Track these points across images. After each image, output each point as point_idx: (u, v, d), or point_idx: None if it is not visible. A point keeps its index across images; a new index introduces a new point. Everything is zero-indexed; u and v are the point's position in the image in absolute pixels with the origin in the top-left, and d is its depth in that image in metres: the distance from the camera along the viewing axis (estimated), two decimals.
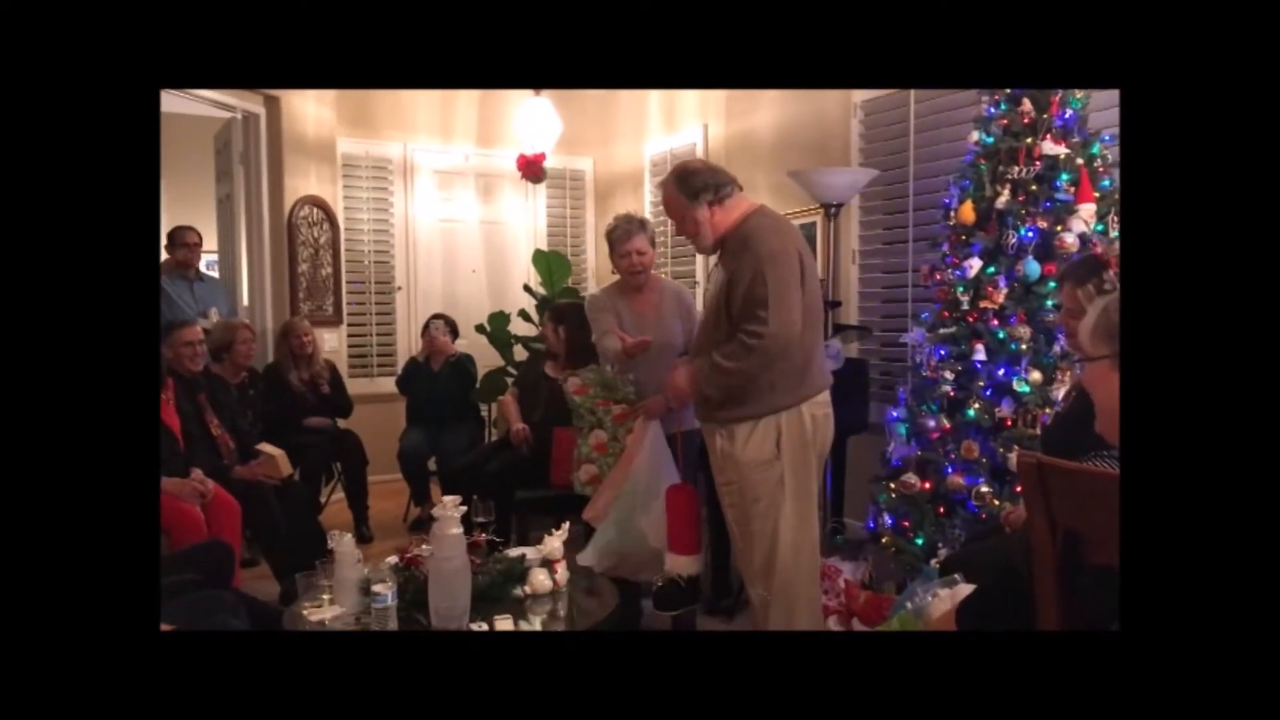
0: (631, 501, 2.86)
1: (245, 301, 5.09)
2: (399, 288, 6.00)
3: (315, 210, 5.27)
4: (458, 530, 2.10)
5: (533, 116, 5.42)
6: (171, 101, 4.76)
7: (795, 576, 2.47)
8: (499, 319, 5.18)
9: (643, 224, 3.15)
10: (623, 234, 3.12)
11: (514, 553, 2.52)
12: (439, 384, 4.89)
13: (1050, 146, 2.91)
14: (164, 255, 4.56)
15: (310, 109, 5.25)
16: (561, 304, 4.15)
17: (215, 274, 5.48)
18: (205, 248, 5.52)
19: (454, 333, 5.00)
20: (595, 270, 6.57)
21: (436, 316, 5.04)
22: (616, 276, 3.32)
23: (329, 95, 5.43)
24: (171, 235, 4.59)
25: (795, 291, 2.36)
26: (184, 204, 6.58)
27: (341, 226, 5.56)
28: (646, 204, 6.06)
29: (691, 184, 2.48)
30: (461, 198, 6.21)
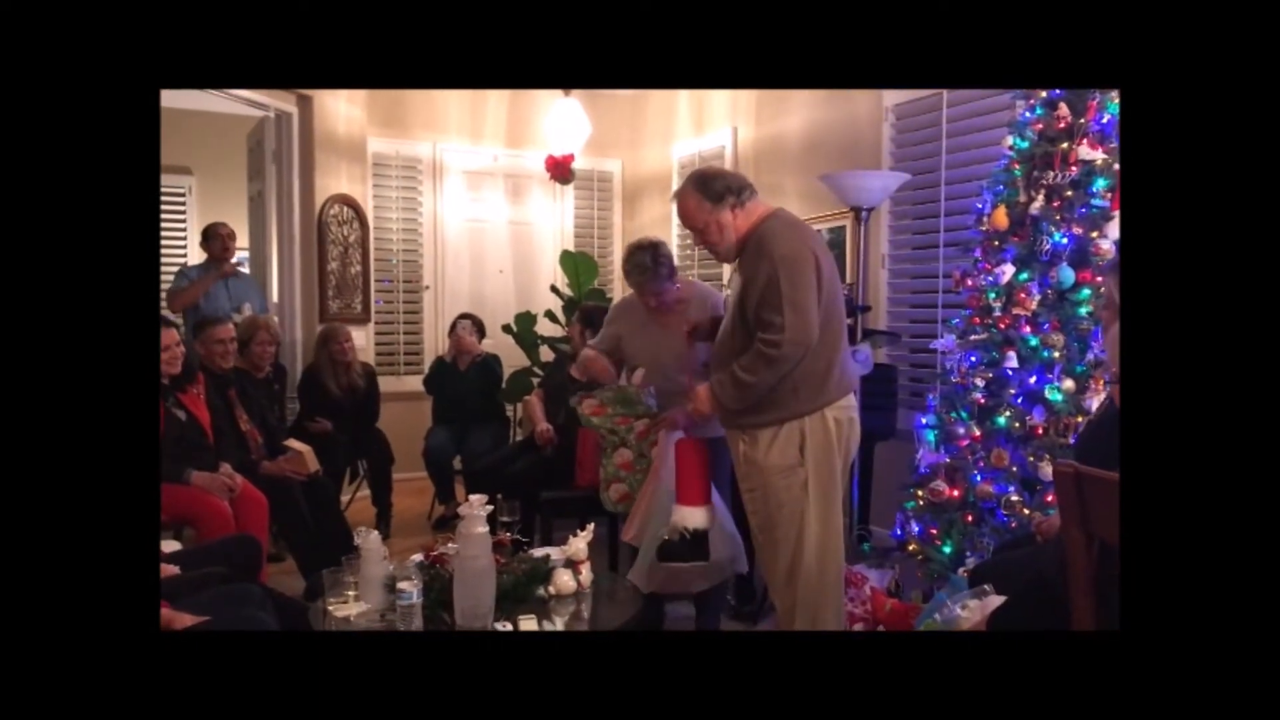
0: (665, 518, 2.83)
1: (275, 298, 5.14)
2: (427, 287, 6.03)
3: (345, 209, 5.31)
4: (484, 529, 2.10)
5: (562, 118, 5.43)
6: (206, 100, 4.82)
7: (820, 583, 2.44)
8: (525, 319, 5.19)
9: (656, 263, 2.94)
10: (637, 283, 2.99)
11: (539, 553, 2.52)
12: (465, 384, 4.91)
13: (1087, 151, 2.86)
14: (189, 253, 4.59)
15: (342, 108, 5.29)
16: (589, 306, 4.15)
17: (246, 270, 5.53)
18: (237, 245, 5.54)
19: (481, 333, 5.02)
20: (621, 272, 6.57)
21: (464, 316, 5.05)
22: None
23: (360, 95, 5.47)
24: (207, 231, 4.64)
25: (811, 295, 2.32)
26: (216, 201, 6.66)
27: (371, 225, 5.59)
28: (674, 207, 6.05)
29: (714, 188, 2.43)
30: (490, 198, 6.23)
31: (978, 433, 3.01)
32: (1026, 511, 2.79)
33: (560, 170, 5.50)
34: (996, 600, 2.06)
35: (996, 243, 3.06)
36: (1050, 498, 2.70)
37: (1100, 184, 2.86)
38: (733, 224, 2.44)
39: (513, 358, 5.27)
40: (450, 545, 2.27)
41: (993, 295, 3.01)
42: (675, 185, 6.02)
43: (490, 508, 2.16)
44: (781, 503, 2.42)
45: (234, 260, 4.69)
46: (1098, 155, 2.85)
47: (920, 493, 3.15)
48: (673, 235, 6.08)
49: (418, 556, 2.41)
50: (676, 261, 6.10)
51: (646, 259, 2.95)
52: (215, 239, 4.58)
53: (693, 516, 2.62)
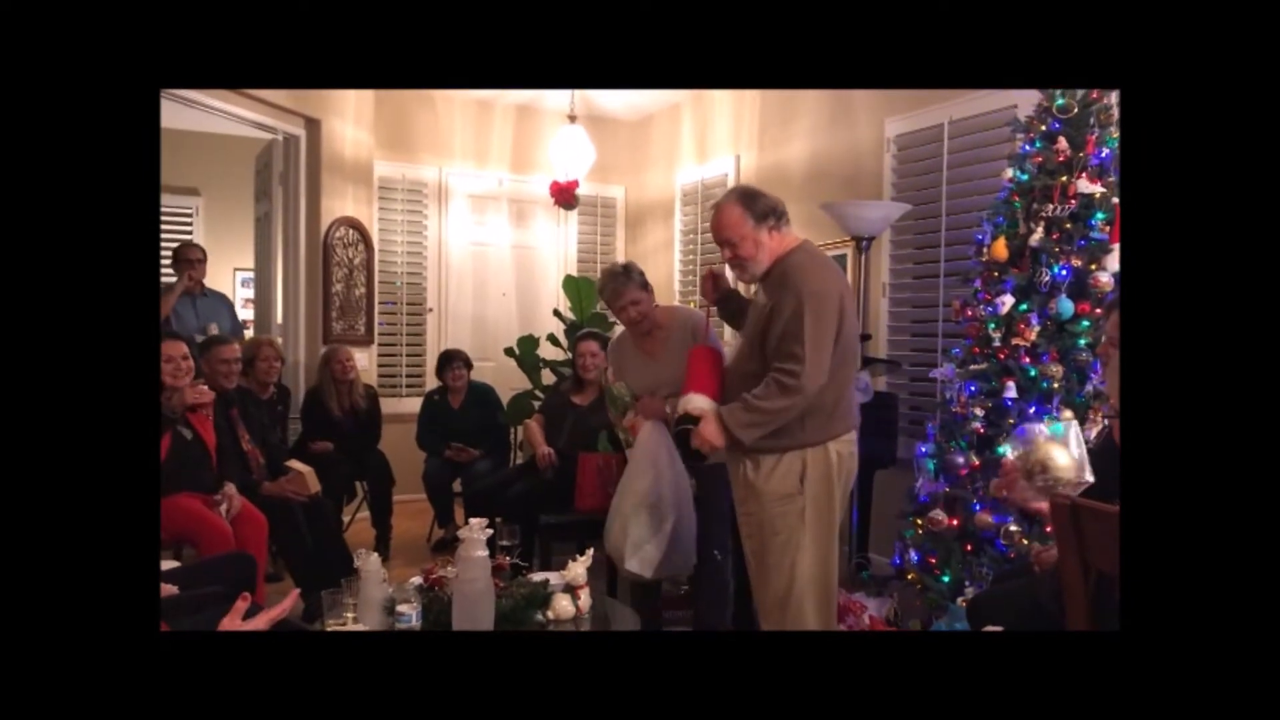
0: (617, 495, 2.92)
1: (279, 319, 5.17)
2: (430, 309, 6.06)
3: (351, 231, 5.35)
4: (483, 553, 2.11)
5: (567, 143, 5.48)
6: (214, 122, 4.87)
7: (811, 614, 2.45)
8: (528, 343, 5.21)
9: (628, 272, 3.11)
10: (612, 292, 3.09)
11: (538, 577, 2.52)
12: (461, 420, 4.91)
13: (1086, 185, 2.89)
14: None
15: (349, 132, 5.34)
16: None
17: (234, 293, 5.50)
18: (243, 265, 5.56)
19: (468, 366, 5.02)
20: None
21: (451, 357, 5.00)
22: None
23: (367, 119, 5.53)
24: (176, 252, 4.61)
25: (831, 336, 2.36)
26: (222, 222, 6.71)
27: (376, 248, 5.63)
28: (677, 232, 6.09)
29: (759, 206, 2.45)
30: (494, 222, 6.28)
31: (977, 462, 3.01)
32: (1025, 542, 2.79)
33: (564, 195, 5.55)
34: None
35: (996, 273, 3.09)
36: (1049, 528, 2.70)
37: (1099, 217, 2.89)
38: (767, 245, 2.46)
39: (514, 380, 5.28)
40: (449, 568, 2.28)
41: (992, 325, 3.03)
42: (678, 211, 6.08)
43: (490, 531, 2.17)
44: (776, 530, 2.42)
45: (204, 279, 4.64)
46: (1096, 189, 2.88)
47: (919, 521, 3.15)
48: (675, 260, 6.12)
49: (417, 579, 2.41)
50: (678, 284, 6.17)
51: (618, 268, 3.14)
52: (183, 262, 4.50)
53: (693, 401, 2.54)
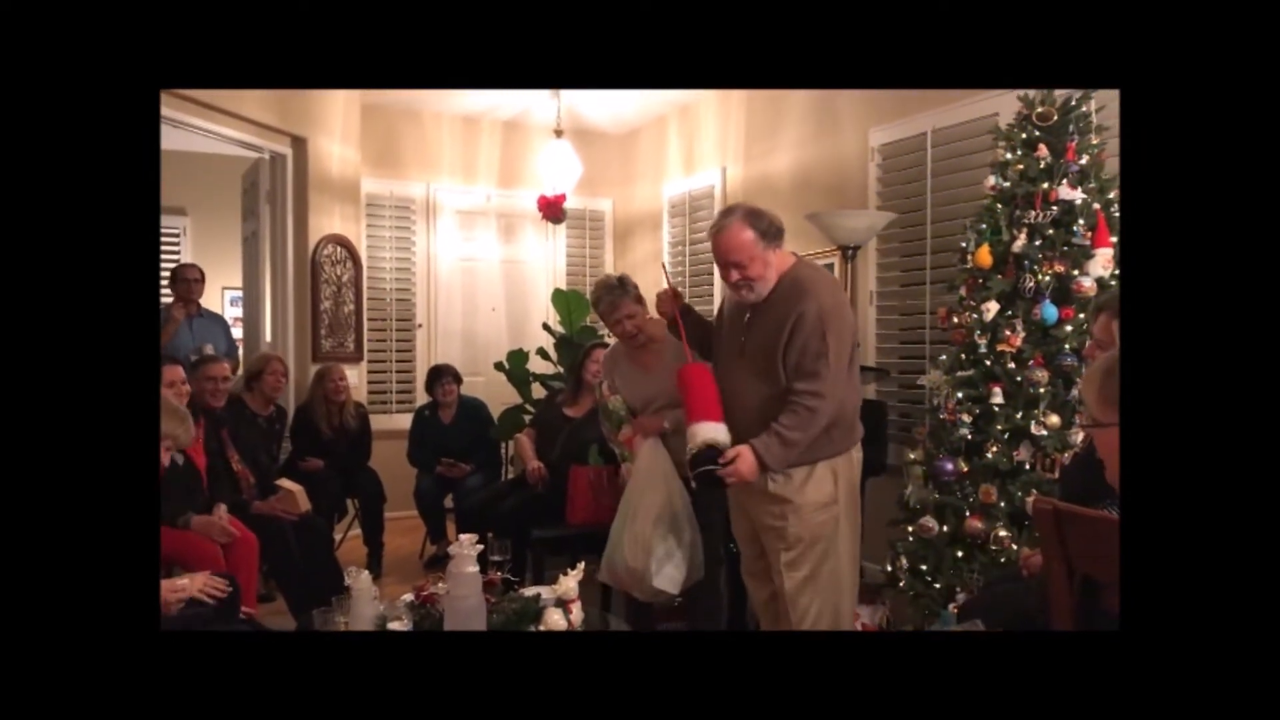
0: (621, 516, 2.92)
1: (268, 337, 5.15)
2: (419, 325, 6.06)
3: (339, 249, 5.35)
4: (474, 568, 2.11)
5: (554, 158, 5.50)
6: (201, 141, 4.87)
7: (837, 617, 2.49)
8: (518, 357, 5.21)
9: (623, 285, 3.08)
10: (609, 305, 3.07)
11: (529, 592, 2.51)
12: (452, 436, 4.91)
13: (1067, 191, 2.92)
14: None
15: (336, 149, 5.35)
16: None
17: (223, 311, 5.46)
18: (231, 284, 5.53)
19: (457, 380, 5.02)
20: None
21: (442, 372, 5.01)
22: None
23: (354, 136, 5.53)
24: (174, 273, 4.60)
25: (848, 348, 2.41)
26: (210, 241, 6.70)
27: (364, 265, 5.63)
28: (665, 244, 6.11)
29: (765, 225, 2.43)
30: (483, 237, 6.29)
31: (965, 468, 3.03)
32: (1014, 547, 2.81)
33: (552, 209, 5.56)
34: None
35: (981, 280, 3.11)
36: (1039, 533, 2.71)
37: (1081, 223, 2.92)
38: (774, 263, 2.46)
39: (504, 394, 5.28)
40: (441, 585, 2.28)
41: (978, 332, 3.05)
42: (665, 224, 6.09)
43: (481, 547, 2.17)
44: (816, 538, 2.45)
45: (200, 300, 4.61)
46: (1077, 195, 2.91)
47: (910, 528, 3.16)
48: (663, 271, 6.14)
49: (408, 596, 2.40)
50: None
51: (613, 280, 3.11)
52: (181, 282, 4.49)
53: (707, 430, 2.50)
